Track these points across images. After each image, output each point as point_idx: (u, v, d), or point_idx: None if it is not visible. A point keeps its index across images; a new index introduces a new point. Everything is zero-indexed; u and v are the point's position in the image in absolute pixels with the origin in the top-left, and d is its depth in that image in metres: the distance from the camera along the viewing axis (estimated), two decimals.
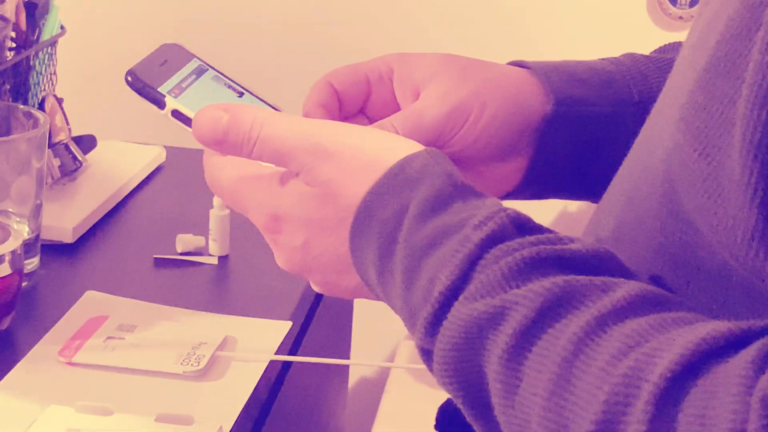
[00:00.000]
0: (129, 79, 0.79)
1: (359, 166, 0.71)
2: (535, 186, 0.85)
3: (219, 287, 1.20)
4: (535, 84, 0.83)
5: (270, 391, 1.04)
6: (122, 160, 1.39)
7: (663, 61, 0.87)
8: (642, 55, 0.87)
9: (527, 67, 0.84)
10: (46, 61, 1.36)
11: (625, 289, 0.61)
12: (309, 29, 1.90)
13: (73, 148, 1.32)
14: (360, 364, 1.89)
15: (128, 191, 1.35)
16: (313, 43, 1.90)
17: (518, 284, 0.63)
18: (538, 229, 0.66)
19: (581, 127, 0.83)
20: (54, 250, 1.19)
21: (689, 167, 0.63)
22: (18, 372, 0.98)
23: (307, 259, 0.74)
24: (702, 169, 0.62)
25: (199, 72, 0.81)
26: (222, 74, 0.82)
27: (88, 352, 1.01)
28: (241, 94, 0.82)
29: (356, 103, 0.84)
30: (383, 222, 0.69)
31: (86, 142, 1.37)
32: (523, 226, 0.66)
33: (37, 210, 1.13)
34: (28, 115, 1.15)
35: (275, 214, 0.74)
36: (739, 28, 0.61)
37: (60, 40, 1.38)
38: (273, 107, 0.81)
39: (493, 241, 0.65)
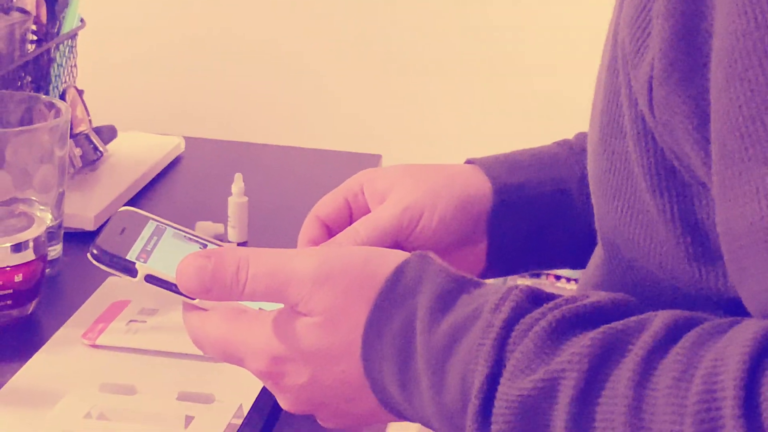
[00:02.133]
0: (95, 252, 0.77)
1: (357, 285, 0.71)
2: (501, 265, 0.92)
3: None
4: (482, 177, 0.90)
5: None
6: (142, 150, 1.41)
7: None
8: None
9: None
10: (66, 54, 1.38)
11: (659, 320, 0.63)
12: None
13: (94, 138, 1.34)
14: None
15: (148, 180, 1.37)
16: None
17: (554, 351, 0.64)
18: (551, 296, 0.68)
19: (526, 209, 0.90)
20: (76, 238, 1.21)
21: (619, 228, 0.69)
22: (42, 354, 1.00)
23: (316, 393, 0.74)
24: (628, 224, 0.68)
25: (159, 233, 0.79)
26: (180, 230, 0.80)
27: (111, 335, 1.03)
28: (204, 245, 0.80)
29: (343, 226, 0.89)
30: (395, 334, 0.70)
31: (107, 133, 1.39)
32: (537, 297, 0.68)
33: (60, 198, 1.15)
34: (50, 106, 1.17)
35: (276, 356, 0.73)
36: (610, 92, 0.68)
37: (80, 32, 1.40)
38: None
39: (514, 318, 0.66)
